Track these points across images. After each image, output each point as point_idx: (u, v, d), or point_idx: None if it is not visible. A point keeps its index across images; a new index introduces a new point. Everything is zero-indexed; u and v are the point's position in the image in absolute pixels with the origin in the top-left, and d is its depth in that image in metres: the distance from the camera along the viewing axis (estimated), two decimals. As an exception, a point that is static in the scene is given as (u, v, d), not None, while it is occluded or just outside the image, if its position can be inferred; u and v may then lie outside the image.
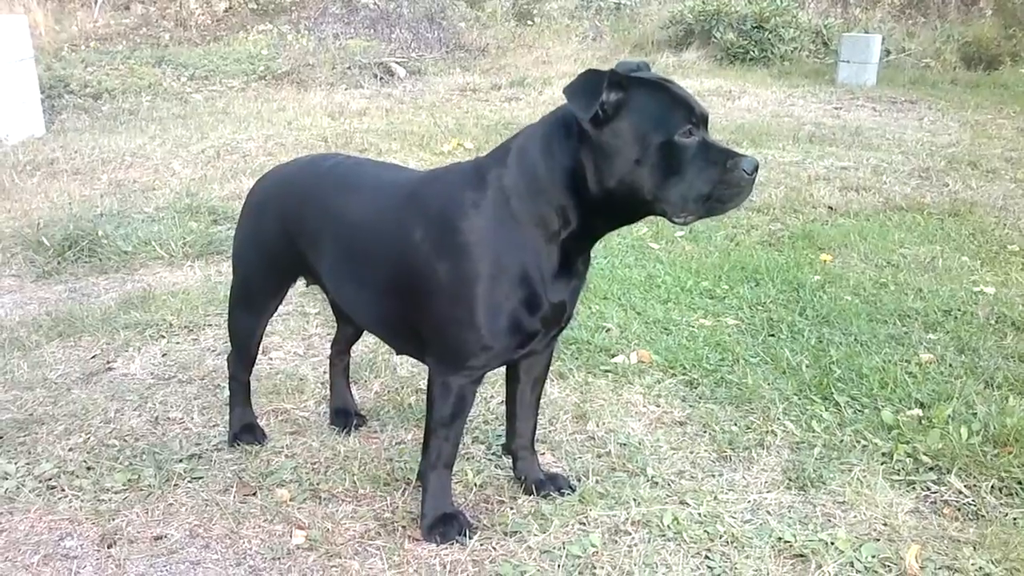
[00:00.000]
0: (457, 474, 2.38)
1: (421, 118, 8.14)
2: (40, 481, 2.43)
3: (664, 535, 2.19)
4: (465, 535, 2.15)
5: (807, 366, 3.19)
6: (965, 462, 2.51)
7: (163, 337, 3.44)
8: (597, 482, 2.43)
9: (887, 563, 2.09)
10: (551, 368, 2.56)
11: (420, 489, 2.23)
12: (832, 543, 2.16)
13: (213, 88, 9.79)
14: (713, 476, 2.48)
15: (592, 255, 2.16)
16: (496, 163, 2.02)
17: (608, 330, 3.54)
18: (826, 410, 2.86)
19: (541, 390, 2.37)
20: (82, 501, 2.34)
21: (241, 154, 6.54)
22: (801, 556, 2.11)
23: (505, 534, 2.19)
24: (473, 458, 2.57)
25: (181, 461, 2.52)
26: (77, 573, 2.06)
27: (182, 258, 4.47)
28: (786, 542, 2.16)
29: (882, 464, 2.54)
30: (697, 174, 1.90)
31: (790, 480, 2.46)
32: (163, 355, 3.28)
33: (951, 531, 2.23)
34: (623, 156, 1.90)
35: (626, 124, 1.90)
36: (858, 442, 2.65)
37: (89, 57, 10.30)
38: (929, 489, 2.43)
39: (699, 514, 2.27)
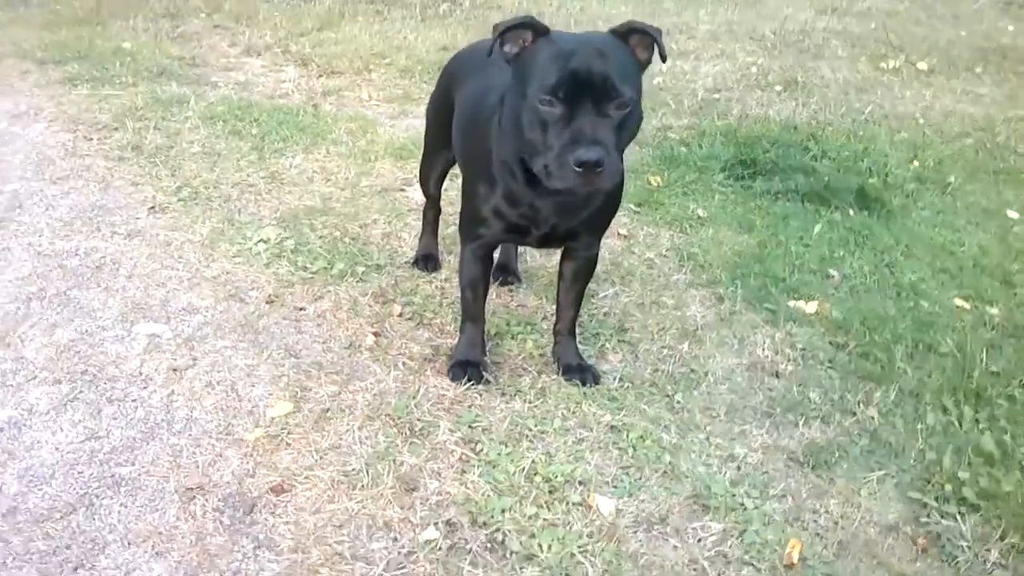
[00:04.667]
0: (526, 338, 2.84)
1: None
2: (279, 247, 3.36)
3: (618, 445, 2.40)
4: (469, 380, 2.59)
5: (991, 373, 2.88)
6: (1011, 511, 2.24)
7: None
8: (621, 391, 2.65)
9: (774, 547, 2.09)
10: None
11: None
12: (751, 509, 2.19)
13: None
14: (729, 423, 2.54)
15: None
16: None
17: (829, 277, 3.47)
18: (943, 414, 2.64)
19: (582, 288, 2.67)
20: (285, 269, 3.21)
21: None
22: (707, 507, 2.20)
23: (503, 395, 2.58)
24: (547, 320, 2.96)
25: (367, 267, 3.27)
26: (236, 313, 2.94)
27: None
28: (711, 492, 2.24)
29: (919, 479, 2.37)
30: (541, 145, 2.09)
31: (799, 453, 2.44)
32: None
33: (893, 559, 2.11)
34: (516, 92, 2.17)
35: (521, 67, 2.18)
36: (924, 452, 2.46)
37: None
38: (931, 516, 2.25)
39: (666, 440, 2.42)
